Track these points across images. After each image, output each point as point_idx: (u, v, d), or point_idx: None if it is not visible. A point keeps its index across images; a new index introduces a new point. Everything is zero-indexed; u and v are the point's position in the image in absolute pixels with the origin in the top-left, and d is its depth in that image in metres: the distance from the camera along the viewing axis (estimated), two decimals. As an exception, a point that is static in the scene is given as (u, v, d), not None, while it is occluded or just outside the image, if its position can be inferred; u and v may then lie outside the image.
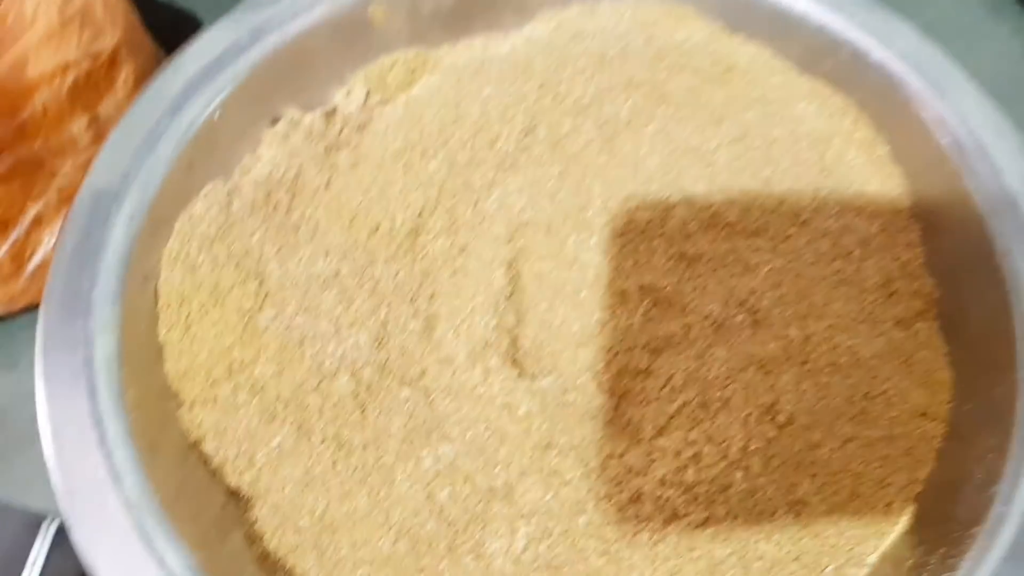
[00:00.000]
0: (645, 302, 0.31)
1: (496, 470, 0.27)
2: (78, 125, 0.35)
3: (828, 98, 0.37)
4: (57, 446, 0.25)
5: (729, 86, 0.37)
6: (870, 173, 0.35)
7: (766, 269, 0.31)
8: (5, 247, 0.34)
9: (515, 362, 0.30)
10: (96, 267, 0.28)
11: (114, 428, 0.26)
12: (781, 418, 0.28)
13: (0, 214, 0.33)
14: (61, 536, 0.31)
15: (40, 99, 0.33)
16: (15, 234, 0.34)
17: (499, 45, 0.39)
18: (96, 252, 0.29)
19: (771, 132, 0.35)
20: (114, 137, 0.31)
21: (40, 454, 0.26)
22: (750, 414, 0.28)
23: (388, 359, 0.30)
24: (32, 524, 0.32)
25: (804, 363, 0.29)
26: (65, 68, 0.34)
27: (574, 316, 0.31)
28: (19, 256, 0.34)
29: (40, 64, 0.33)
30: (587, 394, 0.29)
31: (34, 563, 0.31)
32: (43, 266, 0.35)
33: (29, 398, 0.27)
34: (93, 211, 0.29)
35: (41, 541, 0.31)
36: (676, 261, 0.32)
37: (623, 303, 0.31)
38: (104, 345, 0.27)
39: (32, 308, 0.36)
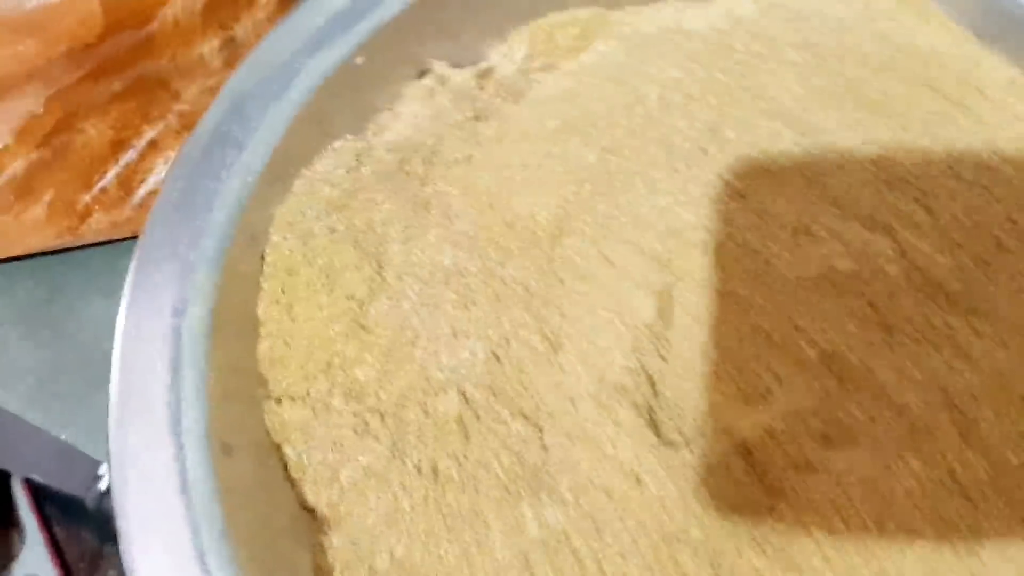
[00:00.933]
0: (825, 375, 0.25)
1: (611, 555, 0.23)
2: (210, 45, 0.31)
3: (1098, 146, 0.30)
4: (121, 428, 0.22)
5: (973, 113, 0.30)
6: None
7: (988, 363, 0.25)
8: (114, 171, 0.31)
9: (651, 418, 0.25)
10: (200, 225, 0.25)
11: (190, 418, 0.23)
12: (978, 566, 0.22)
13: (113, 135, 0.30)
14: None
15: (171, 10, 0.30)
16: (126, 158, 0.31)
17: (694, 17, 0.33)
18: (203, 207, 0.25)
19: (1020, 182, 0.28)
20: (242, 72, 0.27)
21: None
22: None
23: (503, 381, 0.26)
24: (97, 464, 0.31)
25: (1017, 501, 0.23)
26: (203, -22, 0.30)
27: (733, 373, 0.26)
28: (128, 182, 0.31)
29: (177, -30, 0.29)
30: (735, 481, 0.24)
31: (97, 501, 0.30)
32: (152, 194, 0.32)
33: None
34: (206, 157, 0.26)
35: (106, 481, 0.30)
36: (873, 329, 0.26)
37: (798, 371, 0.25)
38: (196, 316, 0.24)
39: (136, 237, 0.33)
